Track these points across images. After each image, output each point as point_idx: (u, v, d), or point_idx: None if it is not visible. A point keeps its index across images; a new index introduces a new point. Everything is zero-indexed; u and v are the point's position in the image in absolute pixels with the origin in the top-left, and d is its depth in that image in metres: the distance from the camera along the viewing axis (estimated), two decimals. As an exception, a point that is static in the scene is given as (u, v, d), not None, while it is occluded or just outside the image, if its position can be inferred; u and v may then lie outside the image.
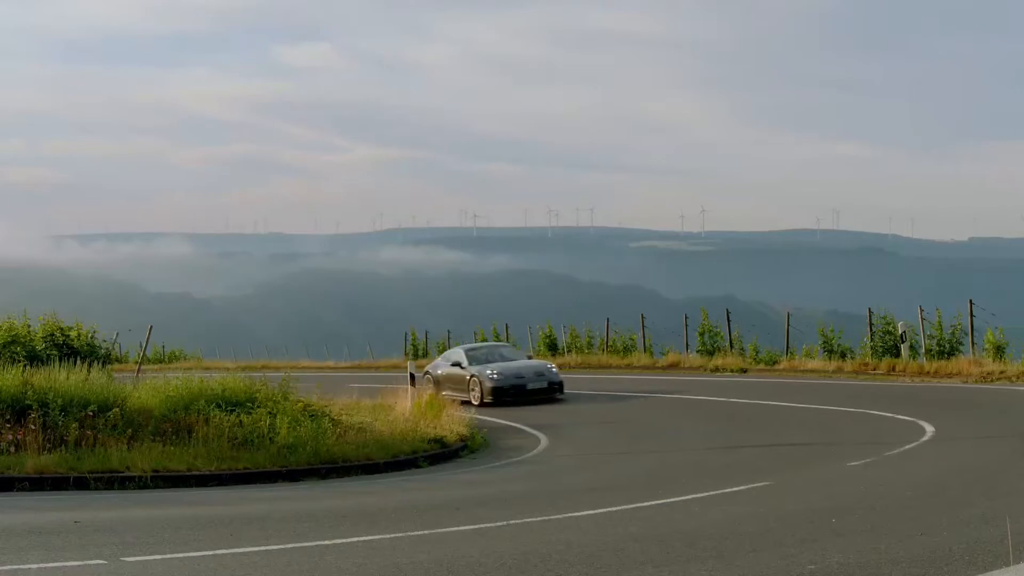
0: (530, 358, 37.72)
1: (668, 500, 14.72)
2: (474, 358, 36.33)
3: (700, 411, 28.71)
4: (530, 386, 34.50)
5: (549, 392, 34.67)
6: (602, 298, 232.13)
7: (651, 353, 47.49)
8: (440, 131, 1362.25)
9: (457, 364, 36.28)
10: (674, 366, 43.77)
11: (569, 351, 51.47)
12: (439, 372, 37.03)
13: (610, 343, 49.56)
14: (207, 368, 42.68)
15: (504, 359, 36.39)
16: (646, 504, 14.42)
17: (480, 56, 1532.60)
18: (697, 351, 45.68)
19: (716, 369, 41.64)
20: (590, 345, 51.42)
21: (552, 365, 36.67)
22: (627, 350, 48.71)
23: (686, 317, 48.12)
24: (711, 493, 15.22)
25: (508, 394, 34.20)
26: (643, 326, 49.10)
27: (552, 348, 52.86)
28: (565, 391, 34.92)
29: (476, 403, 33.86)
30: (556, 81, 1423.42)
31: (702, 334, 45.97)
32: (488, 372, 34.84)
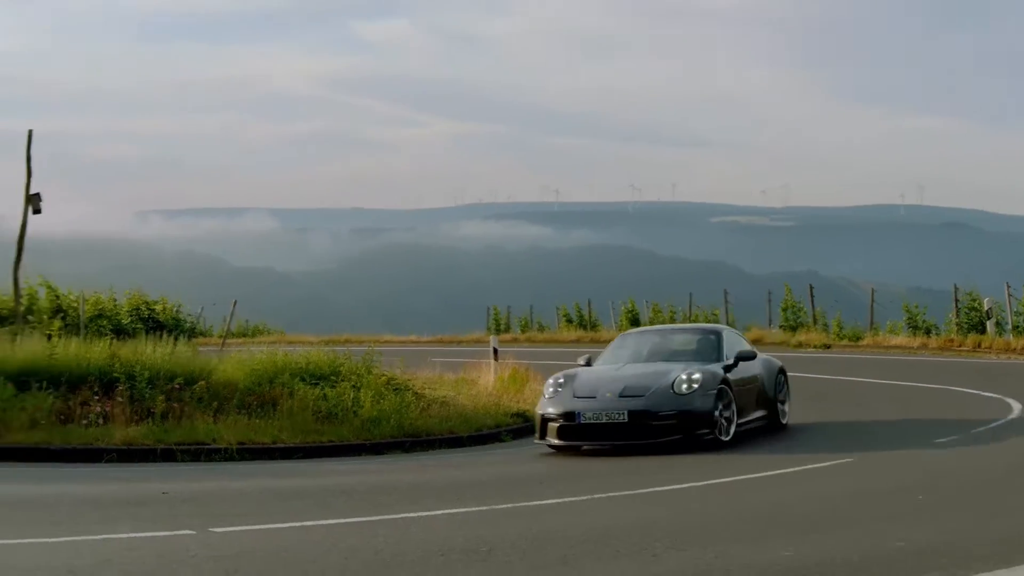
0: (753, 357, 19.79)
1: (750, 476, 14.65)
2: (622, 346, 20.83)
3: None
4: (603, 418, 17.49)
5: (659, 432, 17.36)
6: (683, 273, 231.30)
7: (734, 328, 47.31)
8: (518, 106, 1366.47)
9: (588, 363, 19.99)
10: (757, 342, 43.21)
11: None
12: None
13: (692, 318, 49.31)
14: (291, 342, 42.95)
15: (673, 357, 19.43)
16: (727, 480, 14.35)
17: (557, 29, 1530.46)
18: (780, 327, 45.43)
19: (799, 345, 41.38)
20: (672, 320, 51.21)
21: (696, 374, 17.84)
22: (710, 326, 48.45)
23: (769, 293, 47.94)
24: (794, 469, 15.08)
25: (574, 432, 17.85)
26: (726, 301, 48.89)
27: (634, 324, 52.74)
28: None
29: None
30: (635, 54, 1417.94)
31: (785, 310, 45.76)
32: (555, 385, 18.77)
